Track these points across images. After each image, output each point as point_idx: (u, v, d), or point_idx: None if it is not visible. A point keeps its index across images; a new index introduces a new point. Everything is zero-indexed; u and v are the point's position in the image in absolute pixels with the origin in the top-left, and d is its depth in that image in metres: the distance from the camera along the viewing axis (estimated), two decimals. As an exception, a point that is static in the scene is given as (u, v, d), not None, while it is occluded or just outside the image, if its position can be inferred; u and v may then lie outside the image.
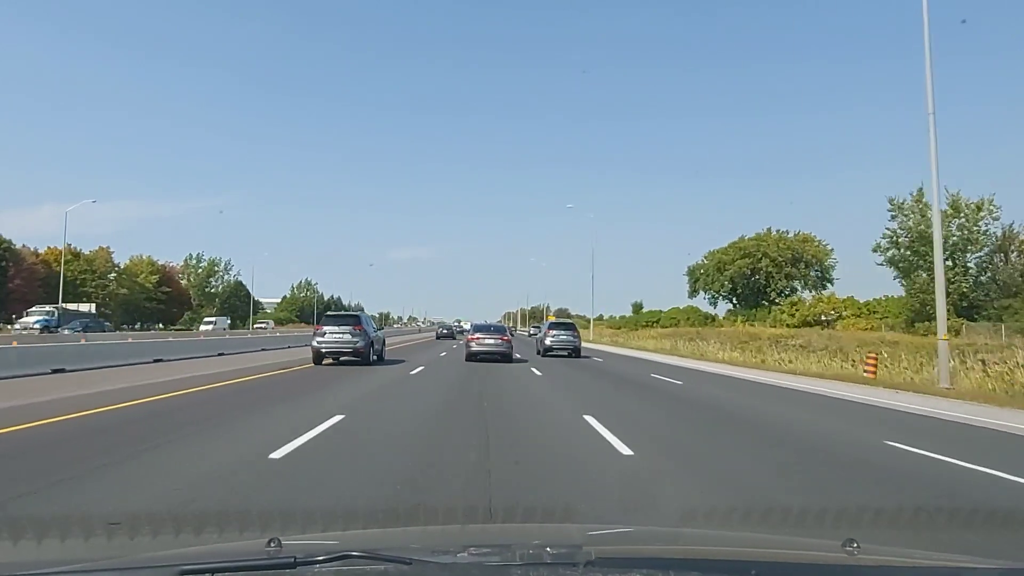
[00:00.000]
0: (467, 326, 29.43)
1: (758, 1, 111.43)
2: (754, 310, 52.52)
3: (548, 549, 1.35)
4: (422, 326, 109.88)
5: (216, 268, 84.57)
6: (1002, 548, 3.08)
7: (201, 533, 2.81)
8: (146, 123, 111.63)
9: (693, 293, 60.38)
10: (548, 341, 22.29)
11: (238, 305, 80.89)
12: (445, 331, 46.62)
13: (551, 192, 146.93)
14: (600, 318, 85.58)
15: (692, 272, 60.46)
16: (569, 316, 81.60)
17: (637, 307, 66.69)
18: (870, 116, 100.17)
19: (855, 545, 1.24)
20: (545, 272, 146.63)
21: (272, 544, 1.27)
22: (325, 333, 15.06)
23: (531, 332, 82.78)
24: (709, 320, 56.22)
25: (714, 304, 60.19)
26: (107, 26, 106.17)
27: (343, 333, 14.93)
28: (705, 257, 60.00)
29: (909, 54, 76.99)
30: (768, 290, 54.85)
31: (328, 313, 19.01)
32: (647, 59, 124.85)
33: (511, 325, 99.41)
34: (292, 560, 1.14)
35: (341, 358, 14.99)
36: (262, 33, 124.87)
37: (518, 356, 19.86)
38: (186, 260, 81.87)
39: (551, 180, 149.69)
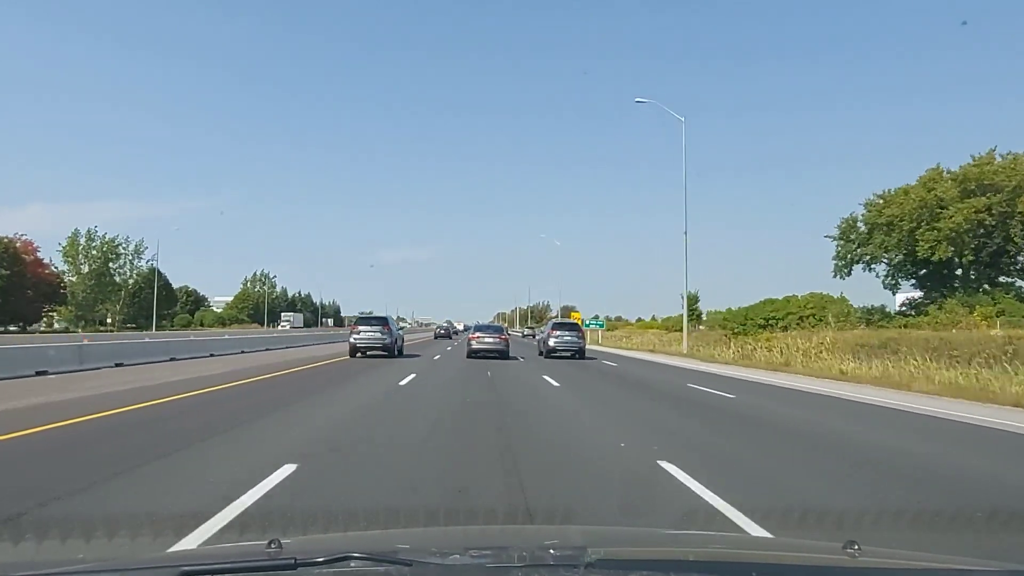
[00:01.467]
0: (460, 327, 41.00)
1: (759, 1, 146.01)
2: (992, 297, 40.60)
3: (549, 551, 2.07)
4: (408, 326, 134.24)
5: (119, 251, 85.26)
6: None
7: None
8: (135, 122, 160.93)
9: (843, 269, 49.03)
10: (552, 342, 31.14)
11: (153, 299, 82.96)
12: (443, 332, 76.32)
13: (549, 191, 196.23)
14: (619, 319, 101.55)
15: (845, 232, 49.14)
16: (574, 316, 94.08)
17: (692, 299, 59.49)
18: (870, 115, 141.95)
19: (856, 547, 1.91)
20: (557, 253, 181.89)
21: (272, 545, 1.92)
22: (360, 331, 28.22)
23: (525, 333, 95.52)
24: (877, 314, 45.36)
25: (893, 286, 49.02)
26: (101, 23, 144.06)
27: (374, 332, 28.13)
28: (869, 207, 47.73)
29: (907, 53, 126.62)
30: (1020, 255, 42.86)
31: (361, 316, 33.54)
32: (646, 58, 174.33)
33: (505, 325, 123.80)
34: (292, 561, 1.73)
35: (369, 352, 27.65)
36: (254, 31, 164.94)
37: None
38: (71, 238, 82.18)
39: (549, 178, 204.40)
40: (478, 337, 29.96)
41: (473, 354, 29.08)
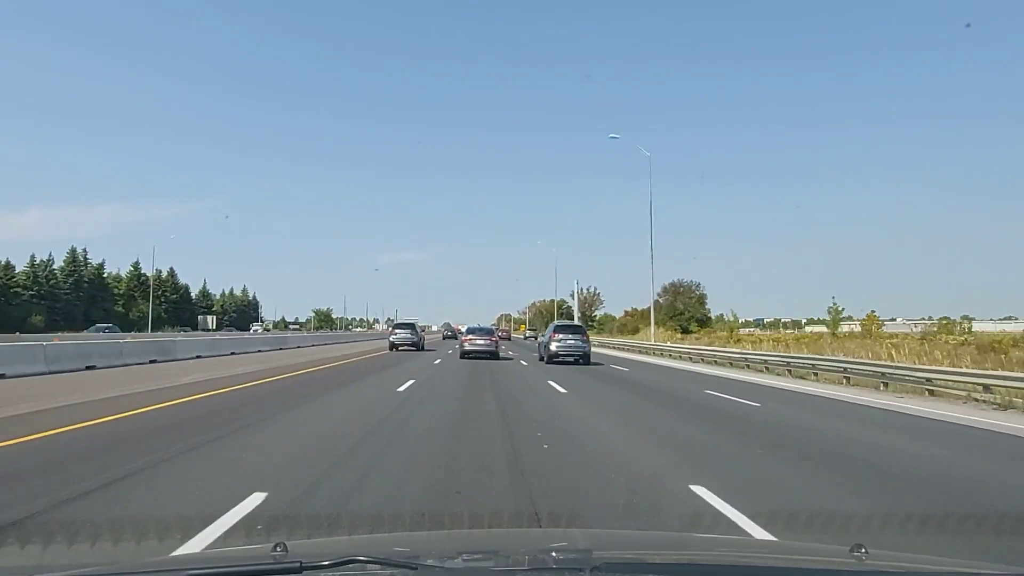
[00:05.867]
0: (463, 328, 46.02)
1: (758, 9, 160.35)
2: None
3: (554, 554, 2.09)
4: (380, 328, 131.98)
5: None
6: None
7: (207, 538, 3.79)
8: (134, 127, 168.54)
9: None
10: (554, 346, 29.51)
11: None
12: (449, 334, 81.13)
13: (550, 190, 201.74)
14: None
15: None
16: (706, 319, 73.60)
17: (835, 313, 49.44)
18: (870, 123, 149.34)
19: (863, 551, 1.90)
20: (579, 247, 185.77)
21: (278, 548, 1.96)
22: (396, 333, 40.82)
23: (527, 335, 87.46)
24: None
25: None
26: (99, 31, 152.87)
27: (405, 333, 40.40)
28: None
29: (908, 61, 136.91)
30: None
31: (396, 322, 47.82)
32: (645, 66, 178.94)
33: (509, 327, 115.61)
34: (298, 564, 1.76)
35: (401, 348, 38.65)
36: (252, 37, 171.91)
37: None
38: None
39: (551, 176, 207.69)
40: (470, 339, 32.68)
41: (466, 355, 31.34)
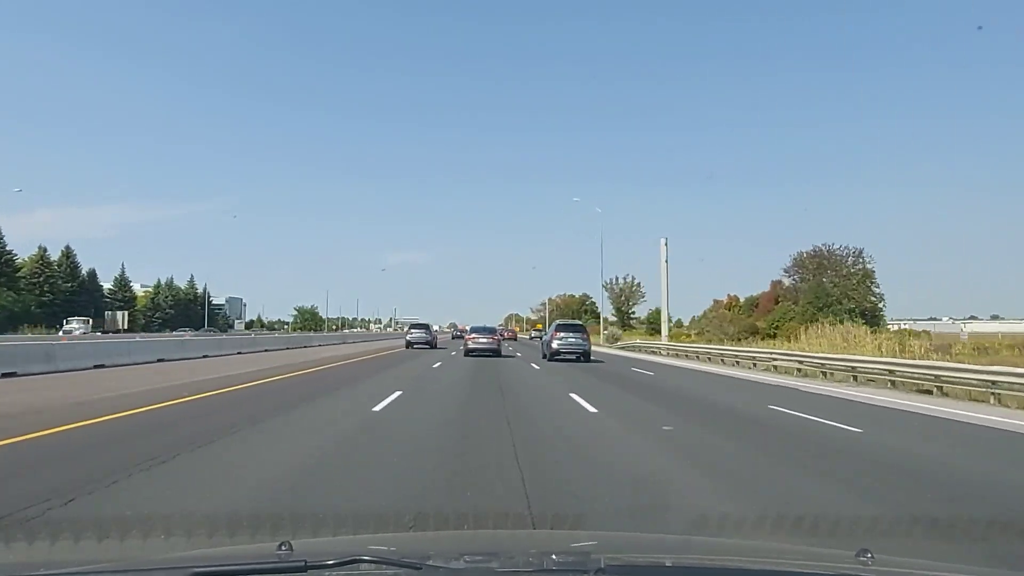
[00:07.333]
0: (468, 328, 48.19)
1: (769, 9, 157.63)
2: None
3: (557, 556, 2.10)
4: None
5: None
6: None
7: (213, 536, 3.85)
8: (135, 128, 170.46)
9: None
10: (555, 344, 30.61)
11: None
12: (458, 334, 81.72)
13: (555, 189, 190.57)
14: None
15: None
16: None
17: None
18: (876, 125, 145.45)
19: (869, 555, 1.90)
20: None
21: (283, 547, 1.97)
22: (412, 333, 47.32)
23: (532, 336, 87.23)
24: None
25: None
26: (99, 31, 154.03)
27: (421, 333, 46.83)
28: None
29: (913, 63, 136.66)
30: None
31: (412, 323, 53.59)
32: (649, 68, 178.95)
33: (517, 328, 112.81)
34: (303, 563, 1.78)
35: (416, 345, 44.35)
36: (252, 37, 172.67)
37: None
38: None
39: (556, 175, 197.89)
40: (473, 338, 34.70)
41: (469, 352, 33.29)
